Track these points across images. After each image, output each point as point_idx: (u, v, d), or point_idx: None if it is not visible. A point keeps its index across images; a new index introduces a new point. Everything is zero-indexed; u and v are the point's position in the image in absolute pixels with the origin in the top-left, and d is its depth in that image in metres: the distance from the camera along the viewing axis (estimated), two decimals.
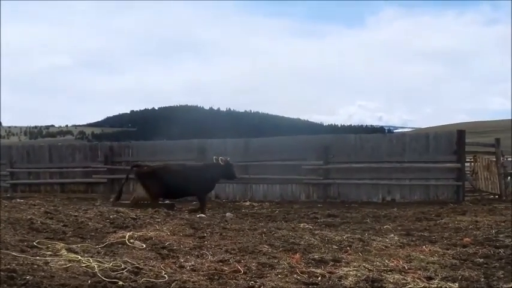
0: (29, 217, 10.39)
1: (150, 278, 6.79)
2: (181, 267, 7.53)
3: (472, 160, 22.23)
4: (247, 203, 20.16)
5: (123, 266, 7.14)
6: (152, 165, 17.65)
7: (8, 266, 6.57)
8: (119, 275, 6.77)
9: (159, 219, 11.74)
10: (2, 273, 6.29)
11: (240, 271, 7.33)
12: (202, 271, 7.30)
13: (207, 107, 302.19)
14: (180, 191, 17.16)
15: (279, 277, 7.13)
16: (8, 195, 17.54)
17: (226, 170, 17.08)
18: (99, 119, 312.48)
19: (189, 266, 7.55)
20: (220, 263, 7.79)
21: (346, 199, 21.18)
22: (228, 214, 15.32)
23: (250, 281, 6.94)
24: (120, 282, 6.45)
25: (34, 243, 8.36)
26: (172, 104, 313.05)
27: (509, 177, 22.39)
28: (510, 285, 7.10)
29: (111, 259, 7.56)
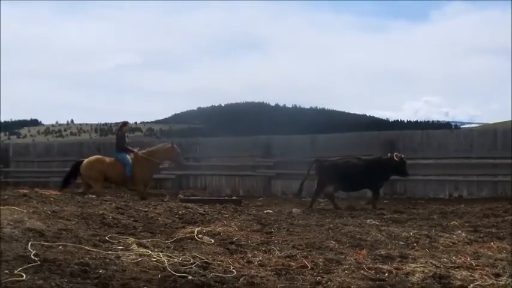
0: (100, 212, 10.69)
1: (219, 272, 6.92)
2: (249, 262, 7.65)
3: None
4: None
5: (192, 261, 7.29)
6: (333, 160, 18.15)
7: (82, 260, 6.79)
8: (188, 269, 6.92)
9: (227, 215, 11.88)
10: (75, 266, 6.51)
11: (307, 266, 7.40)
12: (270, 266, 7.39)
13: (272, 104, 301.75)
14: (358, 185, 17.93)
15: (346, 273, 7.17)
16: (80, 190, 17.93)
17: (400, 166, 17.55)
18: (167, 116, 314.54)
19: (257, 261, 7.66)
20: (288, 259, 7.87)
21: (412, 195, 20.94)
22: (294, 210, 15.36)
23: (318, 276, 6.98)
24: (190, 277, 6.58)
25: (106, 237, 8.61)
26: (238, 101, 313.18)
27: None
28: None
29: (180, 254, 7.73)
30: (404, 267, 7.51)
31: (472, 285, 6.80)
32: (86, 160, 17.88)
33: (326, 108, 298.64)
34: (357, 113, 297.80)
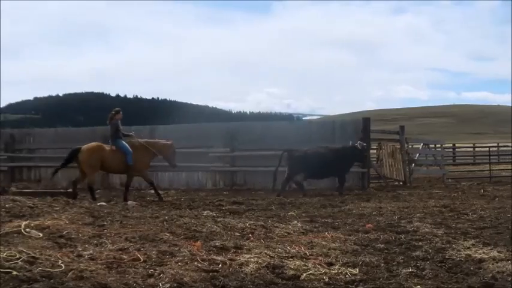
0: None
1: (46, 267, 6.63)
2: (79, 256, 7.39)
3: (377, 147, 22.55)
4: (153, 191, 19.92)
5: (17, 256, 6.94)
6: (303, 149, 18.87)
7: None
8: (13, 264, 6.58)
9: (58, 208, 11.47)
10: None
11: (139, 259, 7.25)
12: (101, 260, 7.17)
13: (113, 94, 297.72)
14: (326, 172, 19.23)
15: (179, 265, 7.08)
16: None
17: (361, 154, 19.11)
18: (1, 106, 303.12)
19: (87, 255, 7.41)
20: (120, 252, 7.67)
21: (252, 186, 21.15)
22: (130, 202, 15.07)
23: (150, 269, 6.86)
24: (15, 272, 6.28)
25: None
26: (77, 91, 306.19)
27: (413, 164, 22.87)
28: (409, 270, 7.21)
29: (6, 249, 7.33)
30: (238, 258, 7.52)
31: (304, 274, 6.90)
32: (85, 147, 16.87)
33: (168, 99, 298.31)
34: (200, 104, 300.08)
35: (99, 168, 17.08)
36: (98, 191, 20.32)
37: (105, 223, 10.02)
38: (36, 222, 9.30)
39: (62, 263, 6.83)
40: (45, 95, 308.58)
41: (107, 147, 16.92)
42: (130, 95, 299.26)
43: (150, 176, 18.02)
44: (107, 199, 16.40)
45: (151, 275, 6.57)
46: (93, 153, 16.64)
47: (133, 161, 16.86)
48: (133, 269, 6.83)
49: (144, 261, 7.21)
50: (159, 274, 6.58)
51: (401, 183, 21.87)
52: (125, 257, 7.35)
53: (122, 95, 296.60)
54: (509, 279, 6.80)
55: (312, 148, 19.12)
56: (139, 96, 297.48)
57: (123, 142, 17.00)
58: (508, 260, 7.70)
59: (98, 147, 16.88)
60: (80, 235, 8.70)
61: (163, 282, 6.29)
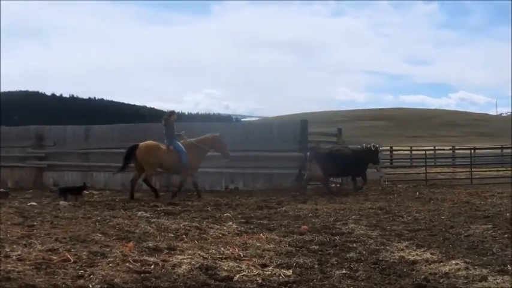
0: None
1: None
2: (7, 257, 7.23)
3: None
4: (87, 191, 19.61)
5: None
6: (328, 147, 19.59)
7: None
8: None
9: None
10: None
11: (69, 260, 7.12)
12: (29, 260, 7.02)
13: (49, 93, 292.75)
14: (346, 171, 19.91)
15: (110, 266, 6.97)
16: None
17: (375, 155, 19.63)
18: None
19: (15, 256, 7.26)
20: (49, 252, 7.54)
21: (189, 187, 20.94)
22: (62, 202, 14.75)
23: (80, 270, 6.74)
24: None
25: None
26: (11, 90, 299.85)
27: None
28: (343, 272, 7.23)
29: None
30: (171, 259, 7.46)
31: (238, 275, 6.86)
32: (142, 144, 17.40)
33: (105, 99, 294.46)
34: (137, 104, 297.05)
35: (157, 165, 17.62)
36: (30, 191, 19.98)
37: (35, 223, 9.85)
38: None
39: None
40: None
41: (163, 146, 17.46)
42: (66, 95, 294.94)
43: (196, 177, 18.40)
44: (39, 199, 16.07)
45: (81, 276, 6.44)
46: (150, 150, 17.28)
47: (189, 160, 17.47)
48: (63, 269, 6.69)
49: (75, 262, 7.09)
50: (90, 275, 6.46)
51: (338, 185, 21.98)
52: (54, 257, 7.22)
53: (57, 94, 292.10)
54: (441, 280, 6.88)
55: (336, 147, 20.07)
56: (75, 96, 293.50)
57: (178, 142, 17.51)
58: (440, 262, 7.81)
59: (155, 145, 17.47)
60: (8, 235, 8.54)
61: (93, 284, 6.18)
